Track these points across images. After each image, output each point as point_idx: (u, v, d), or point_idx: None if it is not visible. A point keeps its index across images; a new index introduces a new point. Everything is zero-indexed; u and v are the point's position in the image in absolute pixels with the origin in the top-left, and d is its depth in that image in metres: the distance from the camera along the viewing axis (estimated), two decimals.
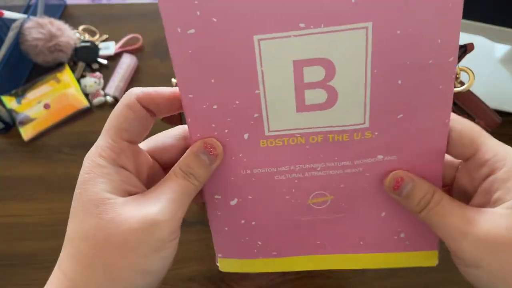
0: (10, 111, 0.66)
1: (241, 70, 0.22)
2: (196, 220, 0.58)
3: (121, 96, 0.71)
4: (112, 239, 0.22)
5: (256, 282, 0.54)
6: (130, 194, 0.24)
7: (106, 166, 0.24)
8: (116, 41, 0.73)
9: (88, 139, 0.65)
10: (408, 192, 0.23)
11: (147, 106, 0.25)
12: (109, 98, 0.67)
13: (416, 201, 0.23)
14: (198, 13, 0.21)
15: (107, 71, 0.71)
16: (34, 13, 0.70)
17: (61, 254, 0.24)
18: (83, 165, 0.24)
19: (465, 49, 0.43)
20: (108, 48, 0.73)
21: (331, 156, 0.25)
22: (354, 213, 0.27)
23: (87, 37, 0.74)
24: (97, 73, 0.70)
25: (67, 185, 0.61)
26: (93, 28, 0.75)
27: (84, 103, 0.67)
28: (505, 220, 0.20)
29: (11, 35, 0.66)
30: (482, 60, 0.69)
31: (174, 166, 0.25)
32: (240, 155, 0.25)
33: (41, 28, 0.66)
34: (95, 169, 0.23)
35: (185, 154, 0.25)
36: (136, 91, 0.25)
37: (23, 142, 0.65)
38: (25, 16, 0.68)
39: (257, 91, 0.22)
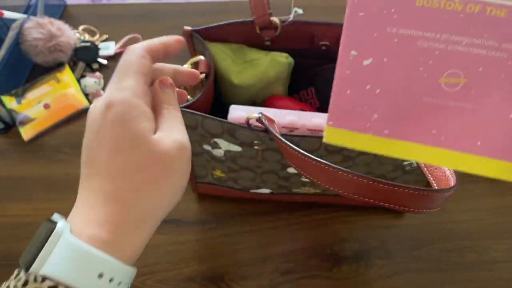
0: (10, 111, 0.66)
1: None
2: (196, 220, 0.58)
3: None
4: (163, 166, 0.26)
5: (256, 282, 0.54)
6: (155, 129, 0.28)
7: (142, 106, 0.27)
8: (116, 41, 0.73)
9: None
10: None
11: (156, 56, 0.31)
12: None
13: None
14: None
15: (107, 71, 0.71)
16: (34, 13, 0.70)
17: (95, 200, 0.25)
18: (118, 104, 0.26)
19: None
20: (108, 48, 0.73)
21: (481, 32, 0.23)
22: (482, 107, 0.25)
23: (87, 37, 0.74)
24: (97, 73, 0.70)
25: (67, 185, 0.61)
26: (93, 28, 0.75)
27: (84, 103, 0.67)
28: None
29: (11, 35, 0.66)
30: None
31: (162, 105, 0.29)
32: (392, 10, 0.24)
33: (41, 28, 0.66)
34: (136, 109, 0.26)
35: (157, 95, 0.30)
36: (142, 45, 0.30)
37: (23, 142, 0.65)
38: (25, 16, 0.68)
39: None
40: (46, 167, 0.62)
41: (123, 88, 0.27)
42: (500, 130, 0.25)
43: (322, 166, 0.33)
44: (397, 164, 0.46)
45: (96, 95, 0.68)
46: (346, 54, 0.26)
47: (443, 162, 0.27)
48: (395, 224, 0.58)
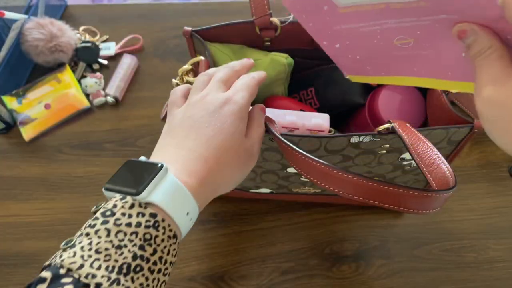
0: (11, 111, 0.66)
1: None
2: (196, 219, 0.58)
3: (121, 96, 0.71)
4: (243, 159, 0.35)
5: (256, 281, 0.54)
6: None
7: (247, 112, 0.36)
8: (117, 42, 0.74)
9: (89, 139, 0.65)
10: (469, 43, 0.26)
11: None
12: (109, 99, 0.68)
13: (473, 52, 0.26)
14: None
15: (107, 71, 0.71)
16: (35, 14, 0.70)
17: (191, 157, 0.32)
18: (235, 103, 0.34)
19: None
20: (108, 48, 0.73)
21: (396, 16, 0.29)
22: (440, 51, 0.31)
23: (87, 37, 0.74)
24: (98, 74, 0.70)
25: (67, 185, 0.61)
26: (93, 29, 0.75)
27: (85, 103, 0.67)
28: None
29: (12, 35, 0.67)
30: None
31: (254, 118, 0.37)
32: (327, 18, 0.32)
33: (41, 29, 0.67)
34: (245, 113, 0.35)
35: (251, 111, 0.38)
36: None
37: (23, 142, 0.65)
38: (25, 16, 0.68)
39: None
40: (47, 167, 0.63)
41: (237, 102, 0.35)
42: (459, 63, 0.31)
43: (321, 166, 0.33)
44: (396, 164, 0.46)
45: (97, 95, 0.68)
46: (322, 44, 0.35)
47: (427, 84, 0.34)
48: (395, 224, 0.58)
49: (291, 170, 0.48)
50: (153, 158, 0.33)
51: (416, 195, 0.31)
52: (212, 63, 0.46)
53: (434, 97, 0.46)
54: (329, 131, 0.43)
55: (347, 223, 0.58)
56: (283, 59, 0.46)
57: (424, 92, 0.50)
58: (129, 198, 0.28)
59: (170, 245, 0.29)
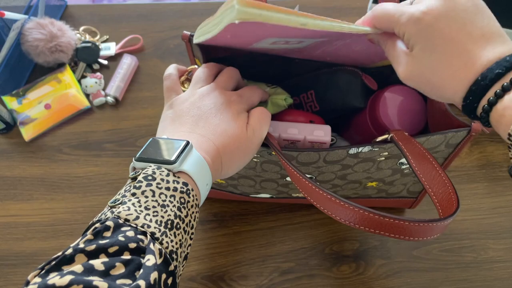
0: (11, 111, 0.66)
1: None
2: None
3: (121, 97, 0.71)
4: (245, 147, 0.38)
5: (256, 281, 0.54)
6: None
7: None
8: (117, 42, 0.74)
9: (89, 139, 0.65)
10: (377, 42, 0.37)
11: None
12: (109, 99, 0.68)
13: (382, 46, 0.36)
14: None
15: (107, 71, 0.71)
16: (35, 14, 0.70)
17: (203, 140, 0.36)
18: (238, 107, 0.39)
19: None
20: (108, 48, 0.73)
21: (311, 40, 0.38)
22: (351, 45, 0.40)
23: (87, 37, 0.74)
24: (98, 74, 0.70)
25: (68, 185, 0.61)
26: (93, 29, 0.75)
27: (85, 103, 0.67)
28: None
29: (12, 35, 0.67)
30: None
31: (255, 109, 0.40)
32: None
33: (42, 29, 0.67)
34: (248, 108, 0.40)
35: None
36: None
37: (24, 142, 0.65)
38: (26, 16, 0.68)
39: None
40: (47, 167, 0.63)
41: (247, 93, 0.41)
42: (368, 50, 0.41)
43: (324, 194, 0.33)
44: (396, 168, 0.46)
45: (97, 95, 0.68)
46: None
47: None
48: None
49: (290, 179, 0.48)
50: (171, 137, 0.36)
51: (421, 227, 0.31)
52: None
53: (435, 100, 0.45)
54: (331, 140, 0.43)
55: None
56: (283, 102, 0.46)
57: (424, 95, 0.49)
58: (164, 168, 0.31)
59: (196, 212, 0.33)
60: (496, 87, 0.29)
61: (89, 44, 0.71)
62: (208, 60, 0.46)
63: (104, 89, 0.69)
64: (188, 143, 0.33)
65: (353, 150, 0.41)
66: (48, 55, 0.67)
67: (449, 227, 0.57)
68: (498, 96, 0.28)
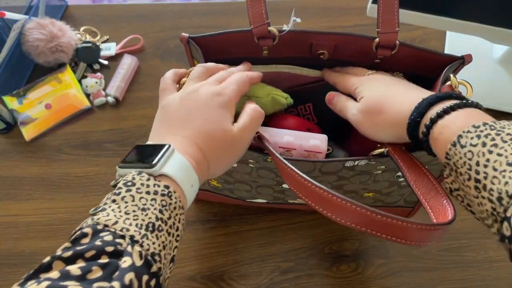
0: (11, 111, 0.66)
1: None
2: (196, 219, 0.59)
3: (122, 97, 0.71)
4: (230, 146, 0.38)
5: (256, 281, 0.54)
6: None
7: (235, 105, 0.40)
8: (117, 42, 0.74)
9: (89, 139, 0.65)
10: (334, 103, 0.46)
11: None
12: (110, 99, 0.68)
13: (334, 107, 0.46)
14: None
15: (108, 71, 0.71)
16: (35, 14, 0.70)
17: (185, 142, 0.36)
18: (224, 95, 0.38)
19: (463, 61, 0.43)
20: (109, 48, 0.73)
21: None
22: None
23: (88, 37, 0.74)
24: (98, 74, 0.70)
25: (68, 185, 0.61)
26: (94, 29, 0.76)
27: (85, 103, 0.67)
28: (359, 105, 0.41)
29: (12, 35, 0.67)
30: (481, 61, 0.69)
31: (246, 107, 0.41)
32: None
33: (42, 29, 0.67)
34: (233, 105, 0.39)
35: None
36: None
37: (24, 142, 0.65)
38: (26, 17, 0.68)
39: None
40: (47, 167, 0.63)
41: (229, 86, 0.39)
42: None
43: (320, 191, 0.33)
44: (392, 181, 0.46)
45: (98, 95, 0.68)
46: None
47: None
48: None
49: (286, 186, 0.48)
50: (152, 142, 0.37)
51: (419, 228, 0.31)
52: None
53: None
54: (327, 150, 0.43)
55: None
56: (284, 100, 0.46)
57: None
58: (144, 173, 0.32)
59: (181, 214, 0.33)
60: (436, 109, 0.34)
61: (89, 44, 0.71)
62: (208, 62, 0.46)
63: (104, 89, 0.69)
64: (169, 146, 0.33)
65: (349, 163, 0.41)
66: (48, 55, 0.67)
67: (449, 227, 0.57)
68: (439, 116, 0.33)
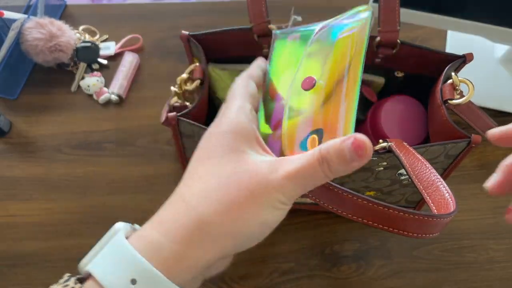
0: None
1: None
2: None
3: (125, 95, 0.71)
4: (242, 186, 0.26)
5: (256, 281, 0.54)
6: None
7: (251, 125, 0.28)
8: (116, 41, 0.74)
9: (89, 139, 0.65)
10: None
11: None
12: (113, 97, 0.67)
13: None
14: None
15: (107, 71, 0.71)
16: (34, 13, 0.70)
17: (185, 188, 0.27)
18: (231, 121, 0.28)
19: (464, 59, 0.43)
20: (108, 48, 0.73)
21: None
22: None
23: (87, 37, 0.74)
24: (96, 72, 0.70)
25: (67, 185, 0.61)
26: (93, 28, 0.75)
27: None
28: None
29: (11, 35, 0.66)
30: (482, 60, 0.69)
31: (322, 145, 0.26)
32: None
33: (41, 28, 0.66)
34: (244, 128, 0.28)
35: (333, 141, 0.25)
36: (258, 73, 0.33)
37: (24, 142, 0.65)
38: (25, 16, 0.68)
39: None
40: (46, 167, 0.62)
41: (237, 106, 0.30)
42: None
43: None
44: (394, 179, 0.46)
45: (101, 92, 0.68)
46: None
47: None
48: None
49: None
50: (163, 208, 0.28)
51: (416, 219, 0.30)
52: (206, 69, 0.45)
53: (435, 109, 0.45)
54: None
55: (348, 223, 0.58)
56: None
57: (425, 105, 0.49)
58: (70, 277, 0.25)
59: None
60: None
61: (88, 44, 0.70)
62: (209, 61, 0.46)
63: (105, 86, 0.69)
64: (114, 228, 0.26)
65: None
66: (47, 54, 0.67)
67: (449, 227, 0.57)
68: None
